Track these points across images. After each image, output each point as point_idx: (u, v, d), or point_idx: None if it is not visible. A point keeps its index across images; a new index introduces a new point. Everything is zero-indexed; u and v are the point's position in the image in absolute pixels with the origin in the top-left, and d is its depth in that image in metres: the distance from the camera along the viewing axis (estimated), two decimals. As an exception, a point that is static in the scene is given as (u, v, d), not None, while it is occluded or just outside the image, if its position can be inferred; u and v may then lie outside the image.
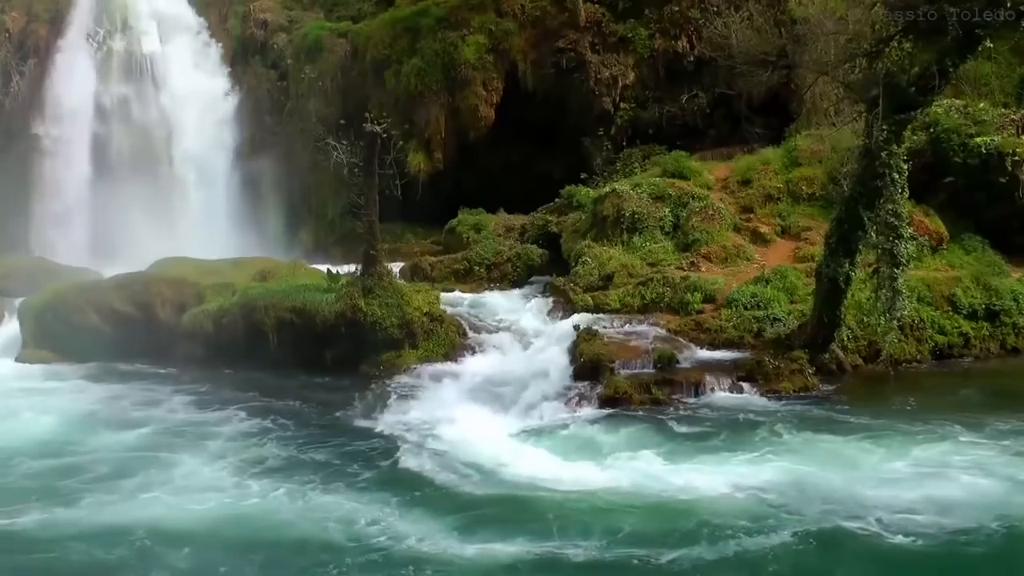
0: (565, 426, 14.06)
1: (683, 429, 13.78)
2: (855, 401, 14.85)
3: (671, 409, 14.65)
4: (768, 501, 11.01)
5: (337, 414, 15.08)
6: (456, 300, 19.95)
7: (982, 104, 21.42)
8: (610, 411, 14.61)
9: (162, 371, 17.88)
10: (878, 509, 10.64)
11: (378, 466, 12.61)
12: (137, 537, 10.32)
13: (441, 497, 11.44)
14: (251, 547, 10.16)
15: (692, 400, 15.08)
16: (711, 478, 11.67)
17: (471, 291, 21.17)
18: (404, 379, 16.57)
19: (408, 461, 12.71)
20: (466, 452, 12.88)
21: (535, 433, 13.77)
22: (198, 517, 10.89)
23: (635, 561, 9.65)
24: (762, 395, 15.24)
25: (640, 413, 14.48)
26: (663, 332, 17.28)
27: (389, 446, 13.40)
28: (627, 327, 17.54)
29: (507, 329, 18.52)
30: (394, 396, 15.52)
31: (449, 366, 17.12)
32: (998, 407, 14.19)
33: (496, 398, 15.25)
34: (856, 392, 15.41)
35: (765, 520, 10.45)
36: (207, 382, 17.00)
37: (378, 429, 14.24)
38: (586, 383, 15.44)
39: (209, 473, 12.35)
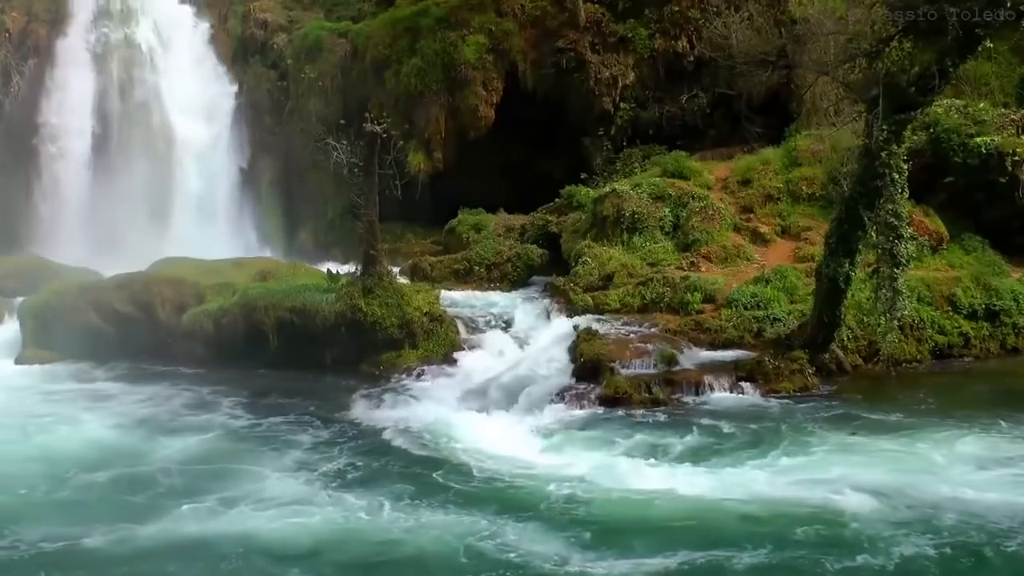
0: (566, 426, 14.06)
1: (692, 428, 13.79)
2: (870, 400, 14.80)
3: (671, 409, 14.65)
4: (844, 502, 10.88)
5: (338, 414, 15.09)
6: (456, 300, 19.95)
7: (982, 104, 21.43)
8: (610, 411, 14.62)
9: (185, 370, 17.72)
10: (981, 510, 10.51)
11: (408, 470, 12.52)
12: (233, 552, 9.99)
13: (469, 501, 11.31)
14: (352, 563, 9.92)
15: (692, 400, 15.09)
16: (770, 480, 11.61)
17: (471, 291, 21.17)
18: (404, 379, 16.58)
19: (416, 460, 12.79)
20: (467, 451, 12.90)
21: (536, 433, 13.76)
22: (290, 530, 10.56)
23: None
24: (762, 395, 15.25)
25: (641, 413, 14.47)
26: (663, 332, 17.28)
27: (398, 447, 13.44)
28: (627, 327, 17.53)
29: (507, 329, 18.54)
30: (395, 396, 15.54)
31: (449, 366, 17.13)
32: (1016, 405, 14.25)
33: (496, 398, 15.25)
34: (865, 391, 15.37)
35: (861, 523, 10.30)
36: (211, 383, 16.89)
37: (383, 428, 14.24)
38: (586, 383, 15.45)
39: (278, 483, 11.97)
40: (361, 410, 15.13)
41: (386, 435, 13.90)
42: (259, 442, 13.68)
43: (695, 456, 12.62)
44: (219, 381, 17.00)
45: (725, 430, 13.62)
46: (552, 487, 11.54)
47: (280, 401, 15.72)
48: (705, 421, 14.05)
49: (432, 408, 14.97)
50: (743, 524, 10.46)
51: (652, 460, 12.46)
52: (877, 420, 13.87)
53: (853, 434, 13.29)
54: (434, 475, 12.13)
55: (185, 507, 11.17)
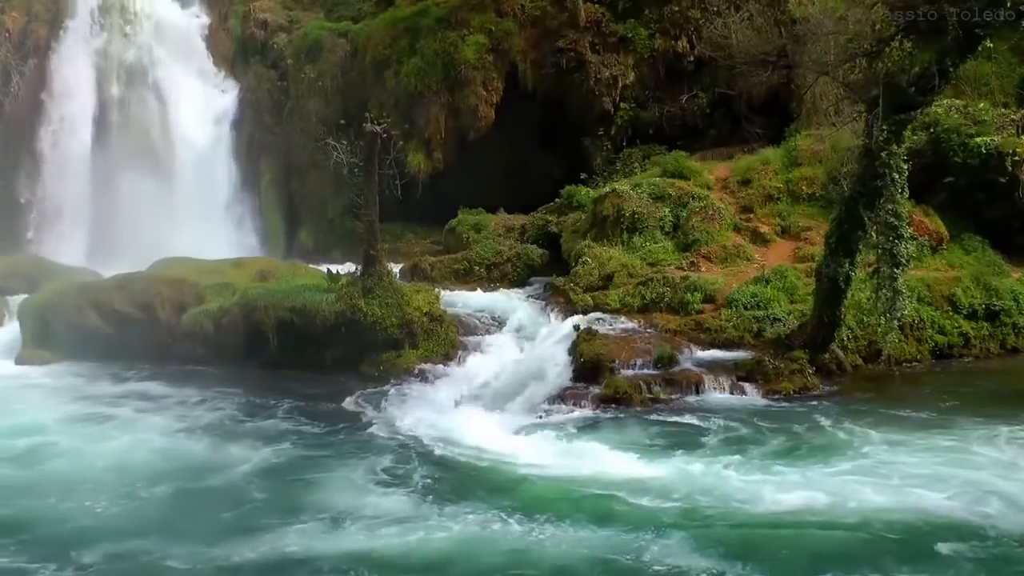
0: (566, 426, 14.05)
1: (706, 428, 13.75)
2: (887, 399, 14.79)
3: (671, 409, 14.65)
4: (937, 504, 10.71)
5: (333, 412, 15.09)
6: (456, 300, 19.95)
7: (982, 104, 21.44)
8: (610, 411, 14.62)
9: (213, 370, 17.61)
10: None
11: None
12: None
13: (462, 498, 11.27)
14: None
15: (692, 400, 15.08)
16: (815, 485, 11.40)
17: (471, 291, 21.17)
18: (404, 379, 16.59)
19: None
20: (468, 452, 12.89)
21: (536, 433, 13.75)
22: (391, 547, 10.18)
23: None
24: (762, 395, 15.25)
25: (641, 413, 14.48)
26: (663, 332, 17.28)
27: (399, 447, 13.40)
28: (627, 327, 17.53)
29: (507, 329, 18.54)
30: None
31: (449, 366, 17.14)
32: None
33: (496, 398, 15.25)
34: (876, 391, 15.39)
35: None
36: (226, 383, 16.79)
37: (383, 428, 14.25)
38: (586, 383, 15.45)
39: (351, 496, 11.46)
40: (360, 410, 15.12)
41: (385, 436, 13.88)
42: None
43: (774, 459, 12.45)
44: (225, 380, 16.99)
45: (742, 429, 13.60)
46: (558, 487, 11.53)
47: (298, 404, 15.57)
48: (715, 420, 14.01)
49: (432, 408, 14.95)
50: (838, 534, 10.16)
51: (652, 459, 12.44)
52: (911, 417, 13.87)
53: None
54: (437, 475, 12.11)
55: (292, 525, 10.57)
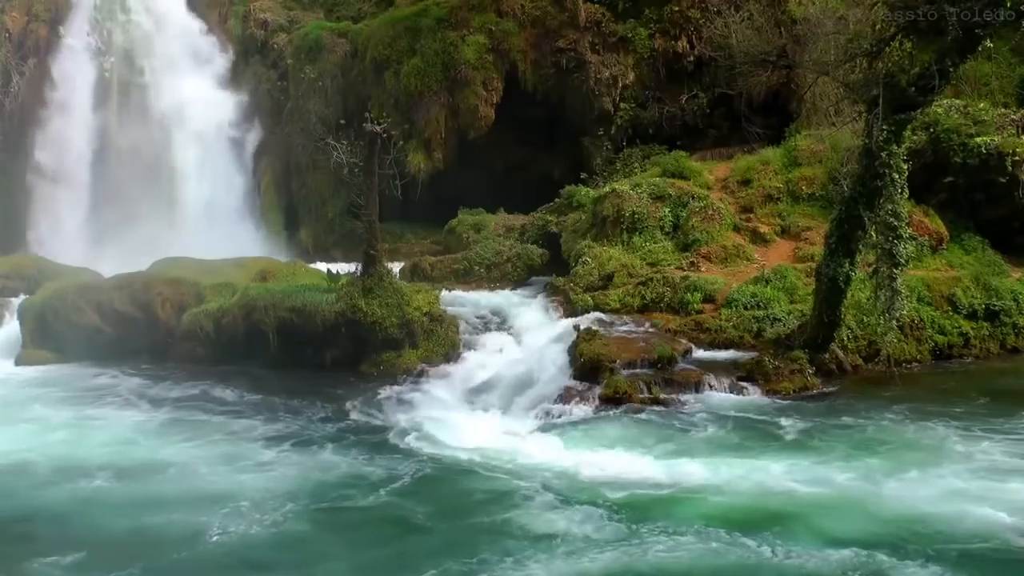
0: (566, 425, 14.06)
1: (701, 426, 13.78)
2: (887, 399, 14.80)
3: (671, 408, 14.64)
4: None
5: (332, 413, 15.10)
6: (456, 300, 19.95)
7: (982, 104, 21.44)
8: (610, 411, 14.60)
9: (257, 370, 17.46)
10: None
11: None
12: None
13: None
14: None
15: (692, 400, 15.07)
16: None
17: (471, 291, 21.17)
18: (405, 379, 16.60)
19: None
20: (469, 451, 12.90)
21: (536, 432, 13.76)
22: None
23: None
24: (762, 395, 15.25)
25: (640, 412, 14.47)
26: (663, 332, 17.28)
27: (399, 447, 13.41)
28: (627, 327, 17.53)
29: (507, 329, 18.54)
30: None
31: (449, 366, 17.13)
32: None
33: (496, 398, 15.26)
34: (876, 390, 15.40)
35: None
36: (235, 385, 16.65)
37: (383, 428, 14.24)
38: (586, 383, 15.43)
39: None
40: (360, 410, 15.12)
41: (386, 436, 13.89)
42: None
43: (800, 457, 12.45)
44: (224, 380, 16.94)
45: (752, 427, 13.64)
46: (557, 486, 11.51)
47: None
48: (715, 419, 14.02)
49: (433, 408, 14.95)
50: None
51: (653, 458, 12.43)
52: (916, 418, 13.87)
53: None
54: (441, 477, 12.08)
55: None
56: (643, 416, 14.32)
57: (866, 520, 10.28)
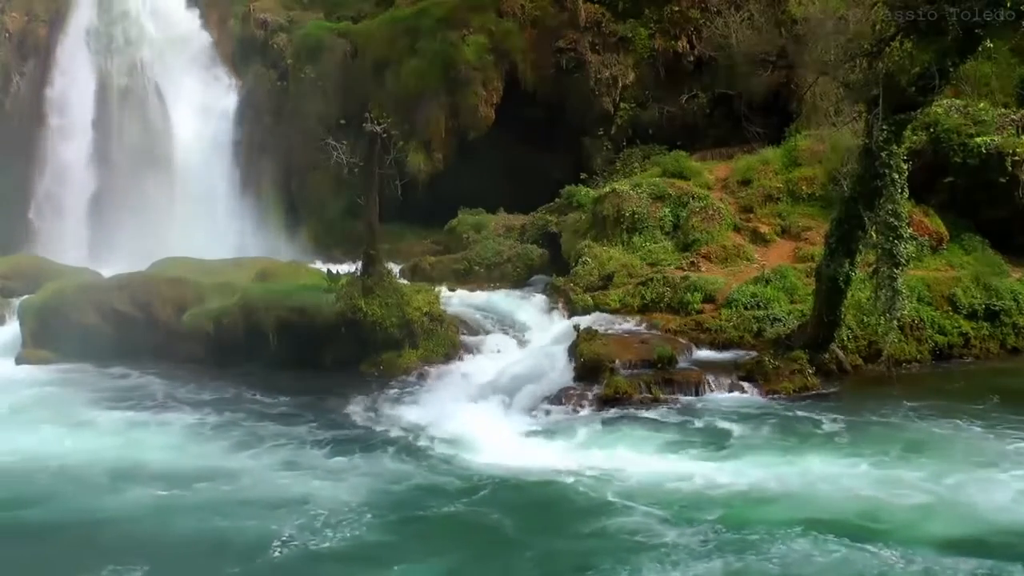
0: (566, 425, 14.06)
1: (701, 426, 13.78)
2: (887, 399, 14.78)
3: (671, 408, 14.65)
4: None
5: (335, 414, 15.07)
6: (456, 300, 19.94)
7: (982, 104, 21.43)
8: (610, 411, 14.61)
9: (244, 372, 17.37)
10: None
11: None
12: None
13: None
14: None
15: (692, 400, 15.09)
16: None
17: (471, 291, 21.17)
18: (405, 379, 16.58)
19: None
20: (469, 451, 12.89)
21: (536, 432, 13.76)
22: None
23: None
24: (762, 395, 15.25)
25: (641, 412, 14.47)
26: (663, 332, 17.27)
27: (400, 448, 13.37)
28: (627, 327, 17.54)
29: (507, 329, 18.55)
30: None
31: (449, 366, 17.14)
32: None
33: (497, 398, 15.24)
34: (876, 391, 15.39)
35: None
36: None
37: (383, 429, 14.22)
38: (586, 383, 15.45)
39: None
40: (360, 410, 15.12)
41: (387, 436, 13.88)
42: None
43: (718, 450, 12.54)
44: (224, 380, 16.97)
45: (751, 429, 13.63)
46: (557, 486, 11.53)
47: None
48: (716, 419, 14.05)
49: (432, 408, 14.95)
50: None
51: (655, 458, 12.44)
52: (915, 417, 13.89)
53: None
54: (438, 476, 12.09)
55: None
56: (643, 416, 14.31)
57: (965, 524, 10.16)
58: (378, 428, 14.28)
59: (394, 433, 13.93)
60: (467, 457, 12.73)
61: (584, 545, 9.94)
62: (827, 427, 13.58)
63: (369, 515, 10.81)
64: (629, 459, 12.38)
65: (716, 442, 13.12)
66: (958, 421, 13.60)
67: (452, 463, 12.57)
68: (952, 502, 10.73)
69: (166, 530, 10.51)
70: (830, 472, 11.72)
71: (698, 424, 13.92)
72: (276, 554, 9.89)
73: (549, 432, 13.75)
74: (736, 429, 13.59)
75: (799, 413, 14.25)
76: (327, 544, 10.09)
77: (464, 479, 11.95)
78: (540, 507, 10.98)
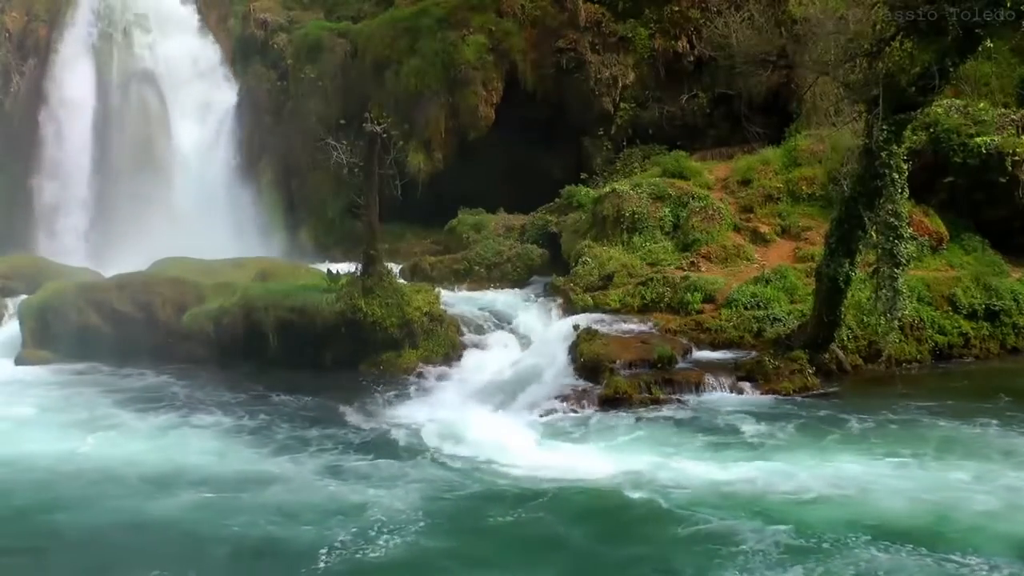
0: (566, 425, 14.05)
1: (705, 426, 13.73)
2: (924, 395, 14.78)
3: (671, 408, 14.64)
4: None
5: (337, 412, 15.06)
6: (456, 300, 19.95)
7: (982, 104, 21.43)
8: (610, 411, 14.61)
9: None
10: None
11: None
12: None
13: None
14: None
15: (692, 400, 15.08)
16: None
17: (471, 291, 21.16)
18: (404, 379, 16.58)
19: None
20: (469, 451, 12.88)
21: (536, 433, 13.74)
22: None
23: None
24: (762, 395, 15.26)
25: (641, 412, 14.46)
26: (663, 332, 17.28)
27: (400, 447, 13.35)
28: (627, 327, 17.54)
29: (507, 329, 18.55)
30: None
31: (449, 366, 17.14)
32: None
33: (497, 398, 15.25)
34: (876, 390, 15.38)
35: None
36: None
37: (383, 428, 14.21)
38: (586, 383, 15.46)
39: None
40: (360, 410, 15.11)
41: (387, 436, 13.87)
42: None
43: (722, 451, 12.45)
44: (224, 380, 16.91)
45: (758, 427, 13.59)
46: (556, 486, 11.49)
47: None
48: (716, 419, 14.00)
49: (433, 408, 14.95)
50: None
51: (691, 462, 12.33)
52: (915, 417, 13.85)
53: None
54: (445, 478, 12.04)
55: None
56: (643, 416, 14.29)
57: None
58: (377, 428, 14.16)
59: (393, 433, 13.86)
60: (466, 457, 12.66)
61: (660, 552, 9.74)
62: (848, 427, 13.49)
63: (422, 523, 10.51)
64: (662, 463, 12.16)
65: (743, 443, 12.99)
66: (977, 420, 13.51)
67: (479, 468, 12.26)
68: (1016, 505, 10.56)
69: (212, 534, 10.30)
70: (876, 474, 11.60)
71: (718, 424, 13.79)
72: (327, 560, 9.64)
73: (548, 432, 13.71)
74: (755, 429, 13.48)
75: (810, 413, 14.18)
76: (378, 552, 9.82)
77: (500, 486, 11.59)
78: (598, 514, 10.73)
